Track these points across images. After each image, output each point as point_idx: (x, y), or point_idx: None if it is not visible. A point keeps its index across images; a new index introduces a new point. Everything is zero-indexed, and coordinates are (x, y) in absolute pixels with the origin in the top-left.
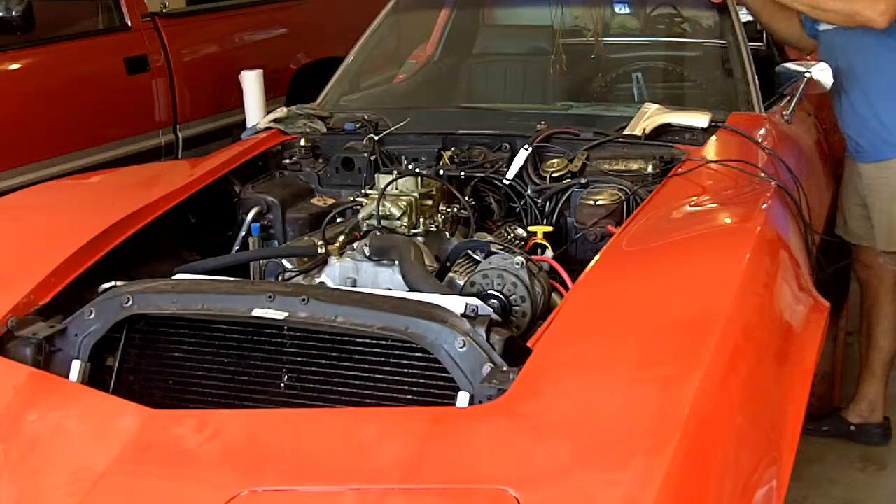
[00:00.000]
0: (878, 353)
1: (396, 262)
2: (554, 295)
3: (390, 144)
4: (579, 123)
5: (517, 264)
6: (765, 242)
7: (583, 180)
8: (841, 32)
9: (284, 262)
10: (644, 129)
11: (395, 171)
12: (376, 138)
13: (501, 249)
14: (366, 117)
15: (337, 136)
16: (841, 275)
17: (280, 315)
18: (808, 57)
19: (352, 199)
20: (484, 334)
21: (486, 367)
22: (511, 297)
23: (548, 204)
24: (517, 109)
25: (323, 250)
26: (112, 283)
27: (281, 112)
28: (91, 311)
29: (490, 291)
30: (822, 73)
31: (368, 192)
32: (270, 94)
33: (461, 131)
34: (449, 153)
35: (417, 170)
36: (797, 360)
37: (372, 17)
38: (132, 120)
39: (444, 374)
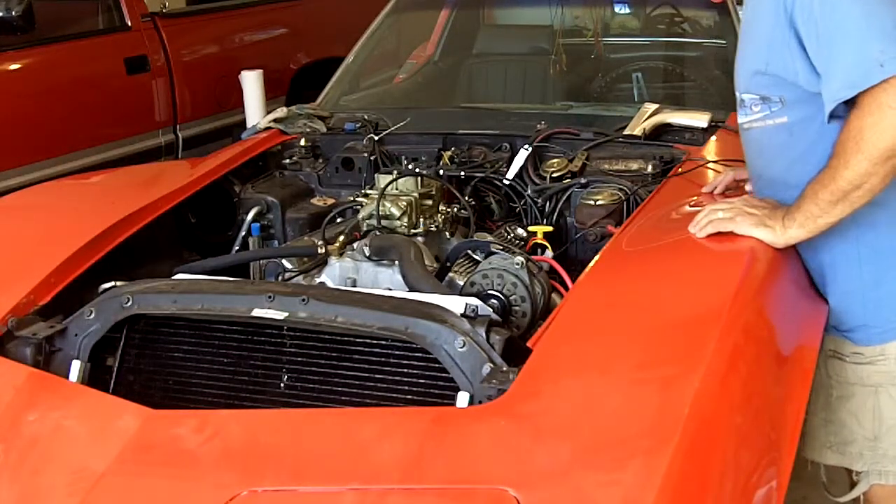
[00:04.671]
0: None
1: (396, 262)
2: (554, 295)
3: (390, 144)
4: (579, 123)
5: (517, 264)
6: (764, 242)
7: (583, 180)
8: None
9: (284, 262)
10: (644, 129)
11: (395, 171)
12: (376, 138)
13: (501, 249)
14: (366, 117)
15: (337, 136)
16: None
17: (280, 315)
18: None
19: (352, 199)
20: (484, 334)
21: (486, 367)
22: (511, 297)
23: (548, 204)
24: (517, 109)
25: (323, 250)
26: (112, 283)
27: (281, 112)
28: (91, 311)
29: (490, 291)
30: None
31: (368, 192)
32: (270, 94)
33: (461, 131)
34: (449, 153)
35: (417, 170)
36: (797, 360)
37: (372, 17)
38: (132, 120)
39: (444, 374)
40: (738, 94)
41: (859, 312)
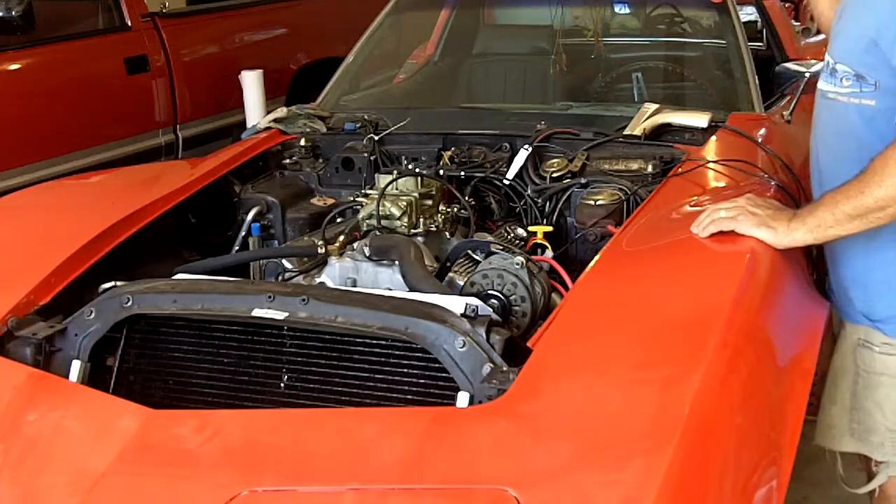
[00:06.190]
0: None
1: (396, 262)
2: (554, 295)
3: (390, 144)
4: (579, 123)
5: (517, 264)
6: (765, 242)
7: (583, 180)
8: None
9: (284, 262)
10: (644, 129)
11: (395, 171)
12: (376, 138)
13: (501, 249)
14: (366, 117)
15: (337, 136)
16: None
17: (280, 315)
18: None
19: (352, 199)
20: (484, 334)
21: (486, 367)
22: (511, 297)
23: (548, 204)
24: (517, 109)
25: (323, 250)
26: (112, 283)
27: (281, 112)
28: (91, 311)
29: (490, 291)
30: None
31: (368, 192)
32: (270, 94)
33: (461, 131)
34: (449, 153)
35: (417, 170)
36: (797, 360)
37: (372, 17)
38: (132, 120)
39: (444, 374)
40: (829, 59)
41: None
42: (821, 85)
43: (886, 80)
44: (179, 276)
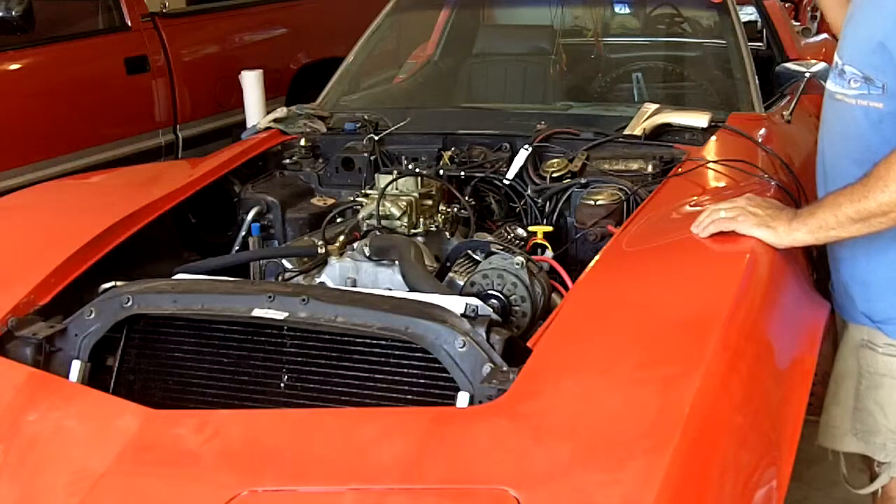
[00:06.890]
0: None
1: (396, 262)
2: (554, 295)
3: (390, 144)
4: (579, 123)
5: (517, 264)
6: (765, 242)
7: (583, 180)
8: None
9: (284, 262)
10: (644, 129)
11: (395, 171)
12: (376, 138)
13: (501, 249)
14: (366, 117)
15: (337, 136)
16: None
17: (280, 315)
18: None
19: (352, 199)
20: (484, 334)
21: (486, 367)
22: (511, 297)
23: (548, 204)
24: (517, 109)
25: (323, 250)
26: (112, 283)
27: (281, 112)
28: (91, 311)
29: (490, 291)
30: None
31: (368, 192)
32: (270, 94)
33: (461, 131)
34: (449, 153)
35: (417, 170)
36: (797, 360)
37: (372, 17)
38: (132, 120)
39: (444, 374)
40: (838, 60)
41: None
42: (829, 85)
43: (894, 83)
44: (179, 276)
